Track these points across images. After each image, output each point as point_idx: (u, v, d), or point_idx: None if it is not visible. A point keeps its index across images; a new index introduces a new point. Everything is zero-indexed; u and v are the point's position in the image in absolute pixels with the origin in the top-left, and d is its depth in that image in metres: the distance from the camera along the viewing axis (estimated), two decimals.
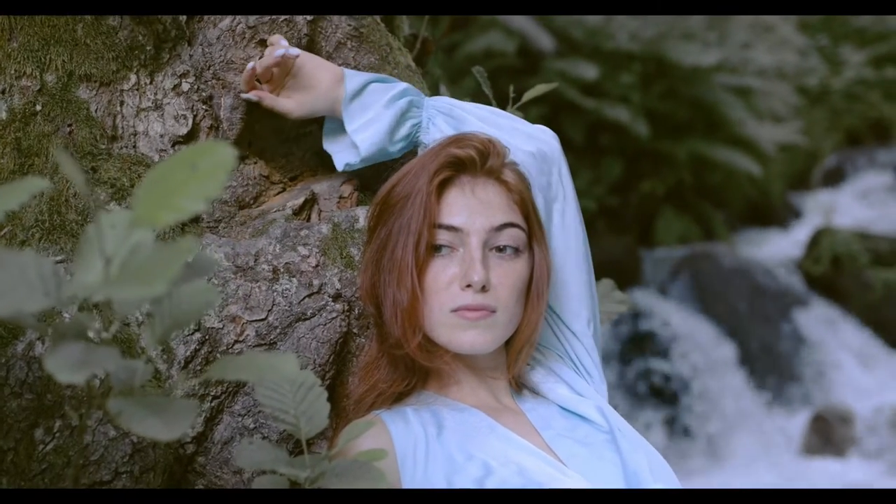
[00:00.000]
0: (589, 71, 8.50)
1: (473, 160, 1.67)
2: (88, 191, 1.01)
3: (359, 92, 1.84)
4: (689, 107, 9.52)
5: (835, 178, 12.13)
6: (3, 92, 1.65)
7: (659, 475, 1.60)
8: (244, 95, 1.81)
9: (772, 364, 7.59)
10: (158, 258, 0.97)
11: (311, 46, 1.92)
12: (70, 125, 1.68)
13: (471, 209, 1.66)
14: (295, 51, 1.81)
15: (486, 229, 1.65)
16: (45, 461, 1.50)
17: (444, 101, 1.88)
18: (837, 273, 8.36)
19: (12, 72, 1.67)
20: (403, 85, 1.87)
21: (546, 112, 7.92)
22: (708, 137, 9.74)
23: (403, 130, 1.84)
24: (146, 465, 1.56)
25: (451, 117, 1.84)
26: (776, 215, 11.00)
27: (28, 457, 1.50)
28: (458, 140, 1.69)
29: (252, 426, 1.67)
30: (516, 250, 1.68)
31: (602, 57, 8.84)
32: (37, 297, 1.02)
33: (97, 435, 1.53)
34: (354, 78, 1.84)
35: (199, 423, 1.65)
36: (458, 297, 1.64)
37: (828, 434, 7.14)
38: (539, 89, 2.25)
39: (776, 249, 9.58)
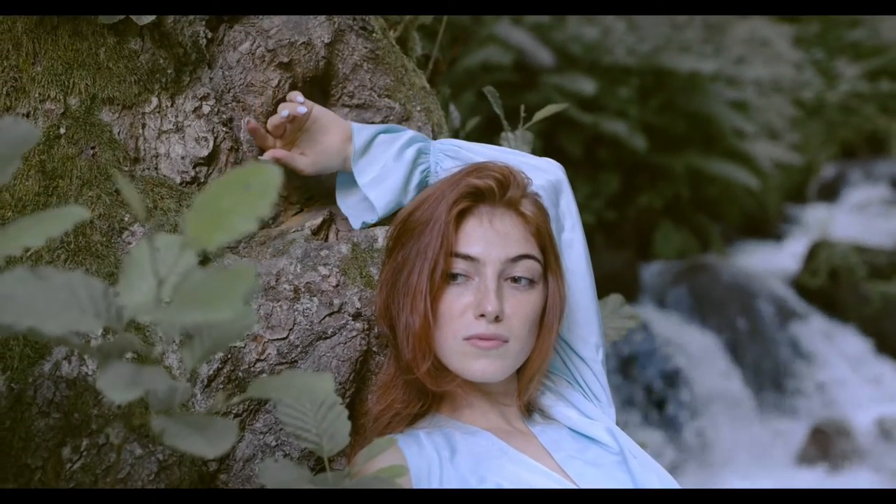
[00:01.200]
0: (587, 86, 8.52)
1: (493, 191, 1.70)
2: (148, 216, 1.04)
3: (367, 147, 1.87)
4: (687, 120, 9.55)
5: (830, 190, 12.17)
6: (28, 115, 1.68)
7: None
8: (261, 158, 1.85)
9: (770, 377, 7.61)
10: (220, 282, 0.99)
11: (328, 69, 1.95)
12: (93, 148, 1.71)
13: (487, 240, 1.68)
14: (303, 109, 1.84)
15: (502, 260, 1.68)
16: (72, 479, 1.52)
17: (451, 144, 1.91)
18: (835, 286, 8.38)
19: (36, 95, 1.69)
20: (409, 133, 1.90)
21: (544, 127, 7.90)
22: (705, 151, 9.77)
23: (415, 179, 1.88)
24: (172, 483, 1.58)
25: (457, 160, 1.87)
26: (773, 228, 11.04)
27: (56, 475, 1.52)
28: (479, 170, 1.72)
29: (274, 444, 1.69)
30: (531, 281, 1.71)
31: (599, 71, 8.86)
32: (88, 318, 1.04)
33: (124, 453, 1.55)
34: (362, 133, 1.88)
35: None
36: (471, 326, 1.66)
37: (826, 446, 7.15)
38: (549, 109, 2.28)
39: (773, 262, 9.61)
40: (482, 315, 1.65)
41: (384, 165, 1.85)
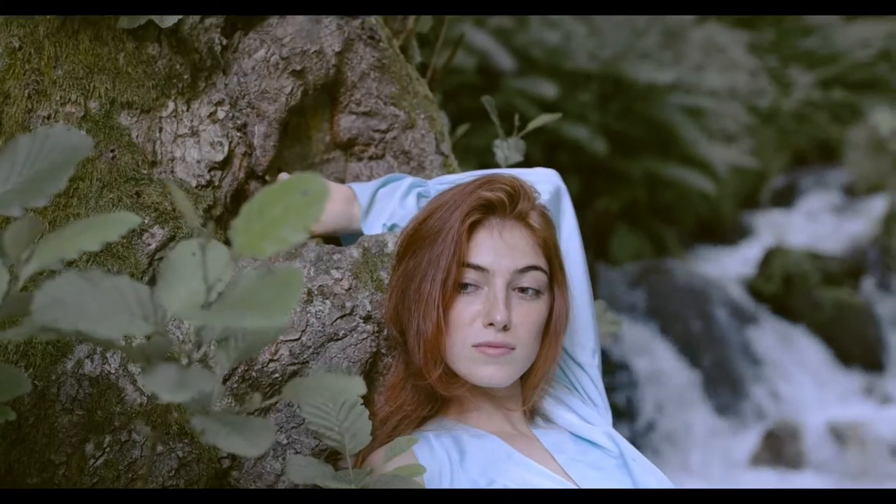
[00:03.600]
0: (548, 89, 8.60)
1: (504, 203, 1.76)
2: (198, 221, 1.08)
3: (371, 204, 1.93)
4: (645, 126, 9.66)
5: (783, 197, 12.34)
6: (49, 117, 1.71)
7: None
8: None
9: (724, 380, 7.72)
10: (271, 288, 1.03)
11: (337, 77, 2.00)
12: (113, 151, 1.74)
13: (497, 251, 1.75)
14: None
15: (511, 271, 1.74)
16: (96, 475, 1.56)
17: (448, 179, 1.95)
18: (789, 292, 8.53)
19: (57, 98, 1.72)
20: (407, 180, 1.95)
21: (505, 130, 7.99)
22: (662, 156, 9.88)
23: None
24: (191, 479, 1.63)
25: None
26: (727, 233, 11.18)
27: (80, 470, 1.56)
28: (490, 182, 1.78)
29: (285, 442, 1.74)
30: (537, 292, 1.78)
31: (561, 76, 8.94)
32: (137, 321, 1.08)
33: (145, 450, 1.59)
34: (364, 192, 1.94)
35: None
36: (480, 334, 1.73)
37: (779, 449, 7.28)
38: (542, 119, 2.33)
39: (728, 267, 9.73)
40: (491, 324, 1.71)
41: (391, 214, 1.92)
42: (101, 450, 1.57)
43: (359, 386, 1.22)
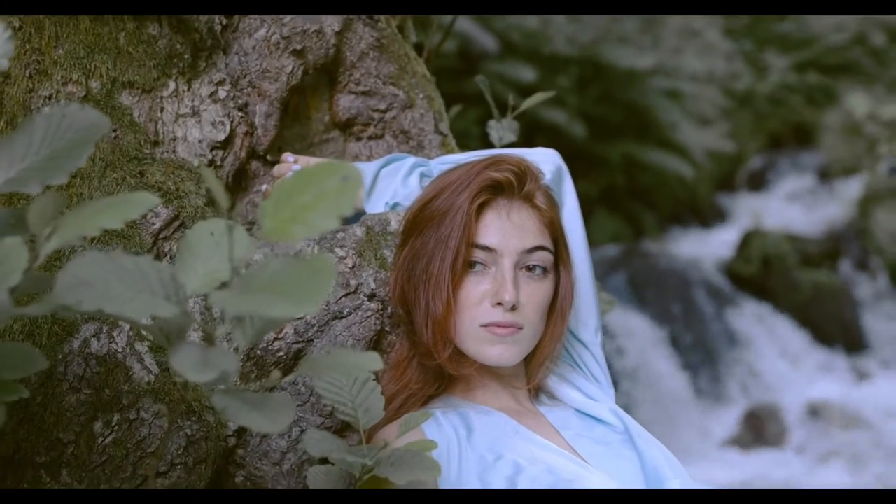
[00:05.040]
0: (526, 73, 8.62)
1: (511, 184, 1.77)
2: (229, 203, 1.07)
3: (374, 184, 1.94)
4: (623, 110, 9.69)
5: (759, 180, 12.41)
6: (50, 97, 1.71)
7: (677, 471, 1.70)
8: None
9: (704, 361, 7.78)
10: (302, 276, 1.02)
11: (337, 56, 2.00)
12: (115, 130, 1.74)
13: (505, 231, 1.75)
14: (297, 166, 1.90)
15: (519, 251, 1.75)
16: (104, 453, 1.56)
17: (451, 159, 1.95)
18: (767, 273, 8.59)
19: (59, 78, 1.72)
20: (410, 160, 1.96)
21: (484, 114, 8.01)
22: (639, 140, 9.92)
23: None
24: (199, 457, 1.63)
25: None
26: (704, 216, 11.24)
27: (89, 449, 1.56)
28: (497, 162, 1.78)
29: (291, 420, 1.74)
30: (545, 271, 1.78)
31: (539, 60, 8.96)
32: (160, 301, 1.08)
33: (153, 428, 1.59)
34: (367, 172, 1.94)
35: None
36: (488, 314, 1.73)
37: (759, 429, 7.34)
38: (537, 98, 2.35)
39: (705, 250, 9.79)
40: (499, 304, 1.72)
41: (394, 193, 1.92)
42: (110, 428, 1.57)
43: (375, 361, 1.23)
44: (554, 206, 1.84)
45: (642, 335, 7.66)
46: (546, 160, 1.94)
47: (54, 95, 1.71)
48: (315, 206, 1.04)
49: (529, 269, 1.77)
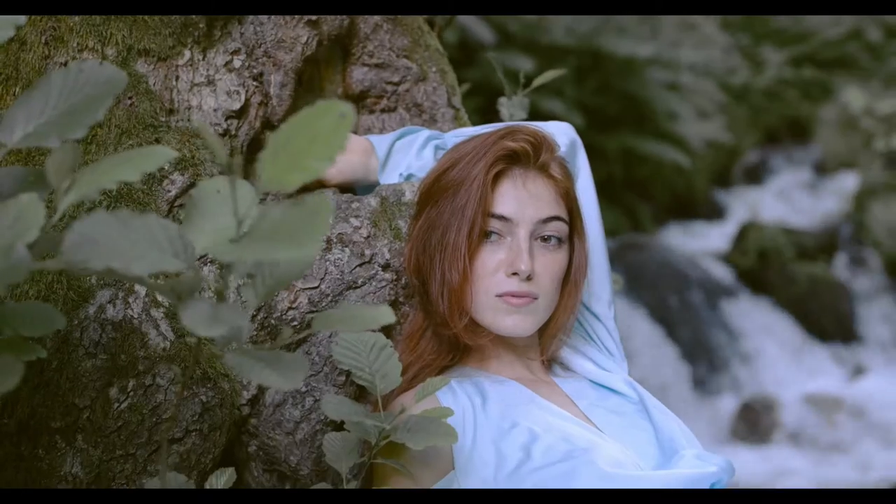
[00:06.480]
0: (525, 64, 8.60)
1: (528, 153, 1.77)
2: (230, 160, 1.07)
3: (388, 156, 1.94)
4: (621, 101, 9.68)
5: (755, 174, 12.41)
6: (66, 64, 1.70)
7: (691, 441, 1.70)
8: None
9: (701, 353, 7.78)
10: (300, 218, 1.02)
11: (350, 27, 2.00)
12: (131, 98, 1.74)
13: (521, 201, 1.75)
14: None
15: (534, 221, 1.75)
16: (120, 419, 1.56)
17: (465, 132, 1.96)
18: (764, 266, 8.60)
19: (75, 45, 1.71)
20: (424, 133, 1.97)
21: (482, 103, 7.99)
22: (637, 131, 9.92)
23: None
24: (214, 424, 1.63)
25: None
26: (700, 209, 11.23)
27: (104, 414, 1.56)
28: (512, 133, 1.78)
29: (304, 389, 1.74)
30: (559, 241, 1.79)
31: (538, 50, 8.95)
32: (168, 258, 1.07)
33: (169, 394, 1.59)
34: (381, 144, 1.95)
35: (253, 387, 1.72)
36: (503, 284, 1.73)
37: (754, 421, 7.35)
38: (548, 76, 2.35)
39: (702, 243, 9.80)
40: (514, 273, 1.72)
41: (408, 165, 1.92)
42: (126, 394, 1.57)
43: (387, 315, 1.22)
44: (569, 176, 1.84)
45: (638, 328, 7.66)
46: (560, 132, 1.94)
47: (70, 62, 1.70)
48: (310, 150, 1.03)
49: (545, 239, 1.76)
